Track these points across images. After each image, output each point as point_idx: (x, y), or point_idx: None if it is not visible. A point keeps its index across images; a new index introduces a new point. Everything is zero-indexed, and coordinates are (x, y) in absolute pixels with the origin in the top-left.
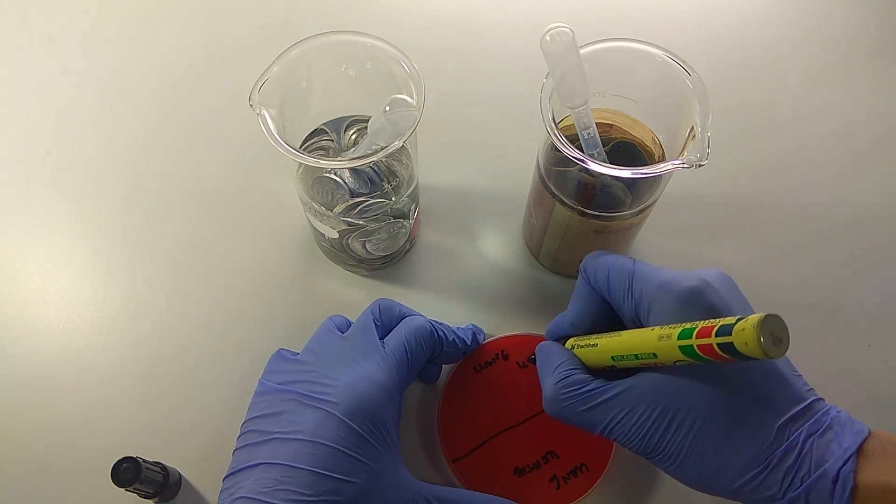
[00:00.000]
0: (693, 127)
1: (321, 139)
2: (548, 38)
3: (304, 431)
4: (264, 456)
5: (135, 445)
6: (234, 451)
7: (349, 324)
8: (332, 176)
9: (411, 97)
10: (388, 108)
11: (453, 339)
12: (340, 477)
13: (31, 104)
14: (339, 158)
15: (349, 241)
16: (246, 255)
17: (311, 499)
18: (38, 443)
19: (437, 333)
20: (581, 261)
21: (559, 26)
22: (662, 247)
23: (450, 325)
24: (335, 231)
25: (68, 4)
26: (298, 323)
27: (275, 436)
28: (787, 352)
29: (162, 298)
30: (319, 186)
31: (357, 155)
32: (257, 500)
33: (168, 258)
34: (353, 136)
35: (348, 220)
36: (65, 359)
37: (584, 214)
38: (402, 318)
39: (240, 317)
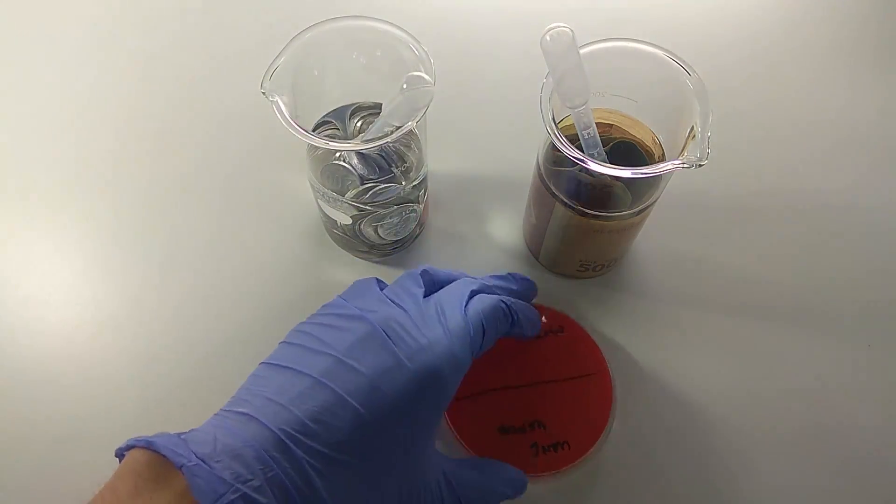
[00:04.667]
0: (693, 127)
1: (326, 129)
2: (548, 38)
3: (367, 370)
4: (316, 370)
5: None
6: (283, 343)
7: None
8: (342, 163)
9: None
10: (405, 86)
11: (521, 325)
12: (378, 429)
13: (31, 104)
14: (353, 140)
15: (361, 226)
16: (255, 246)
17: (338, 436)
18: (38, 442)
19: (512, 316)
20: (580, 261)
21: (559, 26)
22: (662, 247)
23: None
24: (348, 217)
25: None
26: (309, 313)
27: (335, 354)
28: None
29: (168, 290)
30: (329, 174)
31: (370, 136)
32: (280, 403)
33: (175, 249)
34: (359, 124)
35: (360, 204)
36: (65, 359)
37: (584, 214)
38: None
39: (249, 308)
